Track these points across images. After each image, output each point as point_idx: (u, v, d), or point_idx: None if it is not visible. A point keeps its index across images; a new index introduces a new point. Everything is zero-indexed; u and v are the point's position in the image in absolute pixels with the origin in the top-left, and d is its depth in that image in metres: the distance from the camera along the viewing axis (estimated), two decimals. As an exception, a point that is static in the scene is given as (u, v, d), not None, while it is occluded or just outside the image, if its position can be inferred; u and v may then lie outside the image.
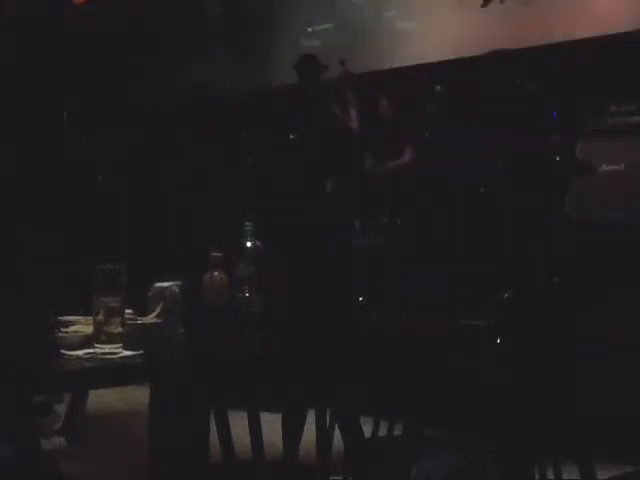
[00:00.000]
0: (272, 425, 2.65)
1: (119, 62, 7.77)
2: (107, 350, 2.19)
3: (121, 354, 2.20)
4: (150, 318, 2.43)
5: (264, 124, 6.40)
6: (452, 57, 6.16)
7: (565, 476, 2.63)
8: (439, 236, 5.31)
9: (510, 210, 5.12)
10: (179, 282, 2.50)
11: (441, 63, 6.20)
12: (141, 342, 2.25)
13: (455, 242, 5.19)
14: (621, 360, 4.38)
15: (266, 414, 2.51)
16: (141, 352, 2.22)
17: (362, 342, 2.56)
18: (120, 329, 2.21)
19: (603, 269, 4.66)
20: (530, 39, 5.79)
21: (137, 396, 3.02)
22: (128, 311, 2.35)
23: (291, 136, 5.82)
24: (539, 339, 2.59)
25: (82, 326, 2.35)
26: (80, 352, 2.20)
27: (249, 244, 2.69)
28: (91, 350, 2.20)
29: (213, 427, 2.49)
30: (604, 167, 5.07)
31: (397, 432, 2.70)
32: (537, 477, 2.62)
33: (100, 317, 2.20)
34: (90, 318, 2.26)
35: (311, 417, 2.81)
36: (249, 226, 2.72)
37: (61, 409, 2.68)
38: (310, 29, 7.22)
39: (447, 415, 3.36)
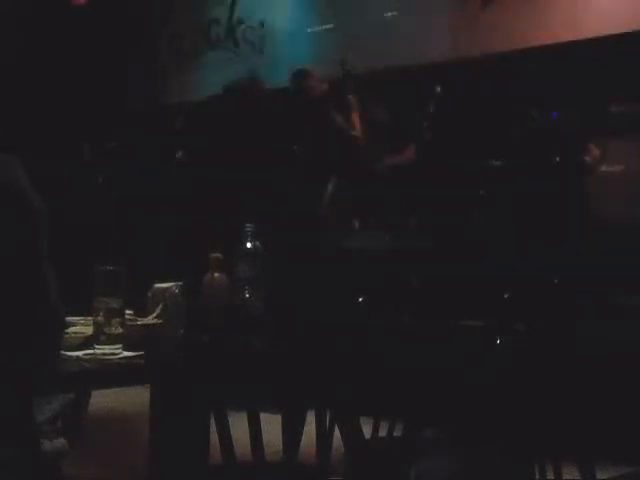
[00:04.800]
0: (272, 425, 2.65)
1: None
2: (107, 351, 2.19)
3: (121, 355, 2.20)
4: (150, 319, 2.44)
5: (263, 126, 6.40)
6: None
7: (565, 476, 2.64)
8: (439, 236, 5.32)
9: (510, 211, 5.12)
10: (179, 283, 2.50)
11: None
12: (141, 343, 2.25)
13: (456, 243, 5.19)
14: (621, 360, 4.38)
15: (266, 414, 2.51)
16: (141, 353, 2.22)
17: (362, 342, 2.56)
18: (120, 330, 2.21)
19: (603, 269, 4.66)
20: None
21: (137, 397, 3.03)
22: (128, 312, 2.36)
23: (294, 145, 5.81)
24: (539, 339, 2.60)
25: (82, 327, 2.35)
26: (80, 353, 2.21)
27: (249, 245, 2.69)
28: (91, 351, 2.20)
29: (213, 427, 2.49)
30: (604, 167, 5.08)
31: (397, 432, 2.70)
32: (537, 477, 2.62)
33: (100, 318, 2.20)
34: (90, 319, 2.27)
35: (311, 417, 2.82)
36: (249, 227, 2.72)
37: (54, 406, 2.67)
38: (310, 30, 7.22)
39: (447, 415, 3.36)
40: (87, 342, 2.25)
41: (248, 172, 6.14)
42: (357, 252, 5.45)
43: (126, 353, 2.21)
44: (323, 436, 2.69)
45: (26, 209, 2.06)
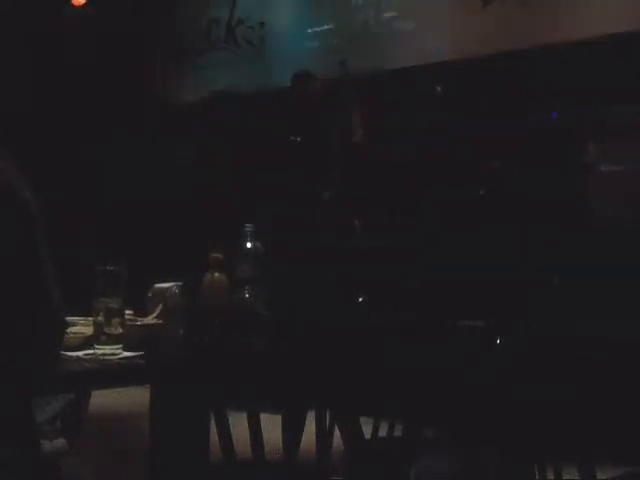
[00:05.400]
0: (272, 425, 2.65)
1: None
2: (107, 351, 2.19)
3: (121, 355, 2.20)
4: (150, 319, 2.44)
5: (264, 125, 6.41)
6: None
7: (565, 476, 2.64)
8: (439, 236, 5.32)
9: (510, 211, 5.12)
10: (179, 283, 2.50)
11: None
12: (141, 343, 2.25)
13: (454, 241, 5.19)
14: (621, 360, 4.38)
15: (266, 414, 2.51)
16: (141, 353, 2.22)
17: (362, 342, 2.56)
18: (120, 330, 2.21)
19: (603, 269, 4.66)
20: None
21: (137, 397, 3.03)
22: (128, 312, 2.36)
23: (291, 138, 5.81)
24: (539, 339, 2.60)
25: (82, 327, 2.35)
26: (80, 353, 2.21)
27: (249, 245, 2.69)
28: (91, 351, 2.21)
29: (213, 427, 2.49)
30: (604, 167, 5.08)
31: (397, 432, 2.70)
32: (537, 477, 2.62)
33: (100, 318, 2.20)
34: (90, 319, 2.27)
35: (311, 417, 2.82)
36: (249, 227, 2.73)
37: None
38: (310, 30, 7.22)
39: (447, 415, 3.36)
40: (87, 342, 2.25)
41: (248, 172, 6.15)
42: (357, 252, 5.45)
43: (126, 353, 2.21)
44: (323, 436, 2.69)
45: (23, 210, 2.06)
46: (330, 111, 5.89)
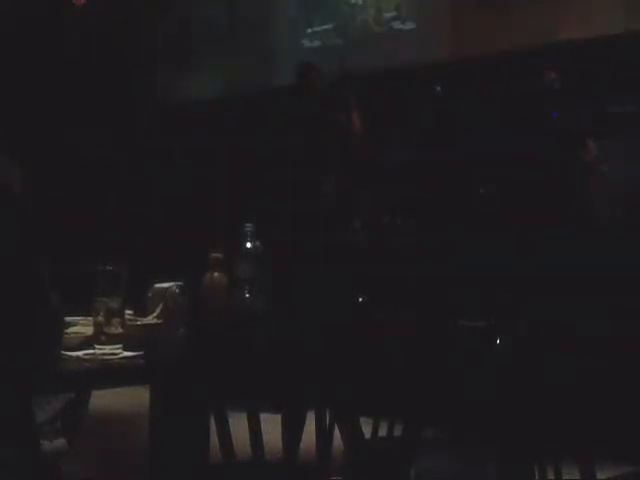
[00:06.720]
0: (272, 425, 2.65)
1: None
2: (107, 351, 2.19)
3: (121, 355, 2.20)
4: (150, 319, 2.44)
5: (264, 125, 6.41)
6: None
7: (565, 476, 2.64)
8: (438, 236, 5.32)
9: (511, 211, 5.12)
10: (179, 283, 2.50)
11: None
12: (141, 343, 2.25)
13: (454, 242, 5.19)
14: (621, 360, 4.38)
15: (266, 414, 2.51)
16: (141, 353, 2.22)
17: (362, 342, 2.56)
18: (120, 330, 2.21)
19: (603, 269, 4.66)
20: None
21: (137, 397, 3.03)
22: (128, 312, 2.36)
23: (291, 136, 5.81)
24: (539, 339, 2.60)
25: (82, 327, 2.35)
26: (80, 353, 2.21)
27: (249, 245, 2.69)
28: (91, 351, 2.21)
29: (213, 427, 2.49)
30: (604, 167, 5.08)
31: (397, 432, 2.70)
32: (537, 477, 2.62)
33: (100, 318, 2.20)
34: (90, 319, 2.27)
35: (311, 417, 2.82)
36: (249, 227, 2.73)
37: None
38: (310, 30, 7.22)
39: (447, 415, 3.36)
40: (87, 342, 2.25)
41: (248, 172, 6.15)
42: (357, 251, 5.45)
43: (126, 353, 2.21)
44: (323, 436, 2.69)
45: (23, 210, 2.06)
46: (330, 111, 5.88)
